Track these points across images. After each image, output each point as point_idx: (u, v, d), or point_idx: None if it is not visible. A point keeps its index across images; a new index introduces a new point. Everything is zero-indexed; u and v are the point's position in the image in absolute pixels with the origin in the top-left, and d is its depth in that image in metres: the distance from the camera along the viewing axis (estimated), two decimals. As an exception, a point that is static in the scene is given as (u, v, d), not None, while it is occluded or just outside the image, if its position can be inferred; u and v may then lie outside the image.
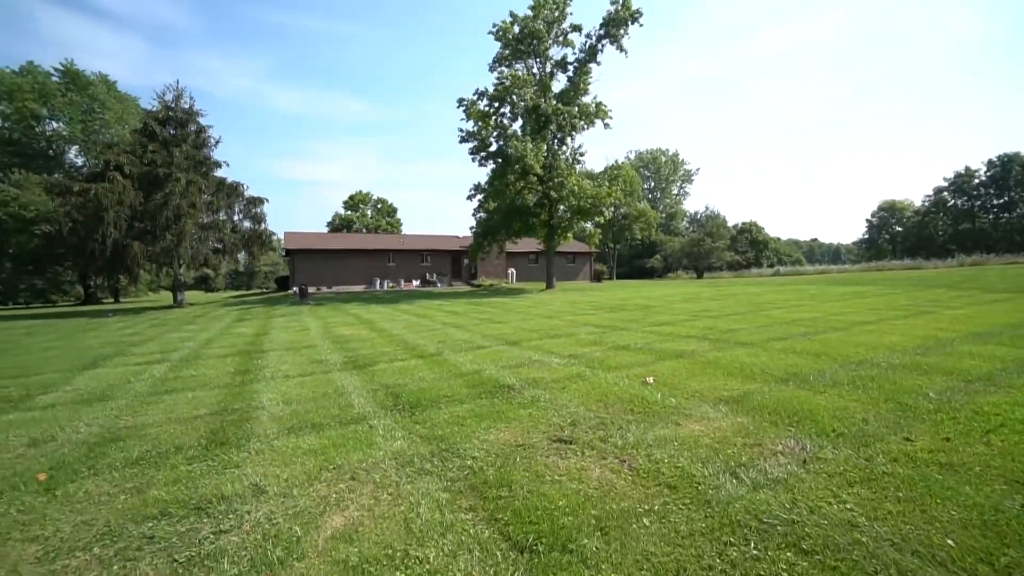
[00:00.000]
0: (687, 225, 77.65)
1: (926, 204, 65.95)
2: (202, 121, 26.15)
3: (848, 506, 2.56)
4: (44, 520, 2.74)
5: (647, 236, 62.04)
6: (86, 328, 15.19)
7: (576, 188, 26.64)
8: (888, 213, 72.60)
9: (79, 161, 39.28)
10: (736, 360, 6.34)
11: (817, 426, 3.75)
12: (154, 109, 25.52)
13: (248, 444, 3.83)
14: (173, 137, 24.95)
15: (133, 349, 9.82)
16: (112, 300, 39.68)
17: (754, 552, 2.21)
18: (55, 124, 38.36)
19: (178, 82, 28.05)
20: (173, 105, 25.37)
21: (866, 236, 75.61)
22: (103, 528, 2.61)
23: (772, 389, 4.90)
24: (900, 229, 70.15)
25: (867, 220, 75.45)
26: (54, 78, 37.95)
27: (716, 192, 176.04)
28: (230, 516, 2.69)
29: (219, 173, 26.36)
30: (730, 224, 66.22)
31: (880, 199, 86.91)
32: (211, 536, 2.49)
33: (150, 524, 2.63)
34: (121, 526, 2.63)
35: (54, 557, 2.38)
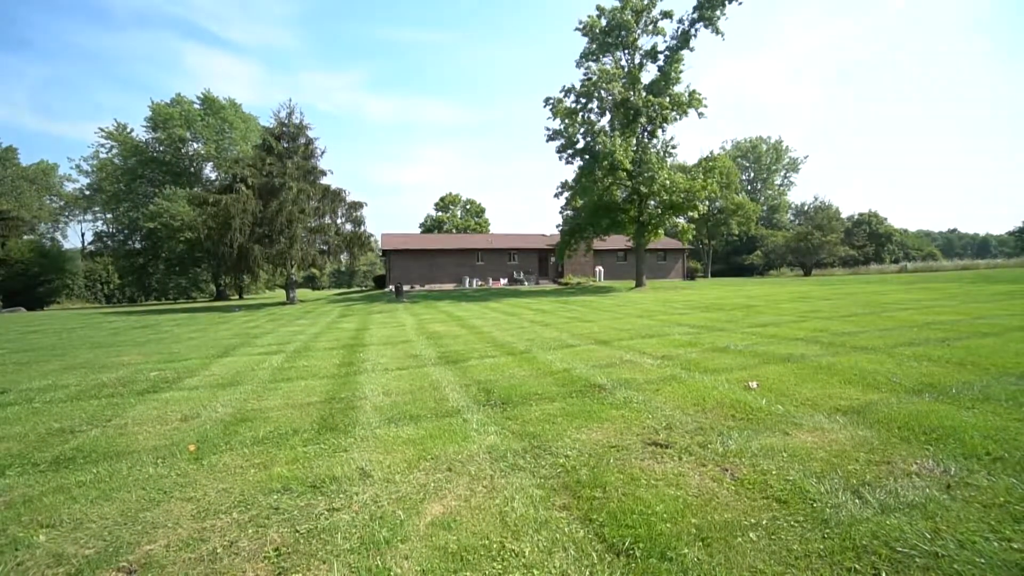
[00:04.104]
0: (792, 218, 71.00)
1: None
2: (310, 134, 28.76)
3: (1015, 546, 2.17)
4: (195, 485, 3.18)
5: (745, 231, 57.70)
6: (218, 321, 17.41)
7: (667, 182, 25.52)
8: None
9: (213, 175, 45.11)
10: (855, 366, 5.67)
11: (963, 447, 3.23)
12: (271, 126, 28.57)
13: (354, 431, 4.13)
14: (286, 150, 27.73)
15: (255, 340, 11.07)
16: (237, 297, 45.16)
17: (887, 584, 1.96)
18: (196, 145, 44.42)
19: (291, 100, 31.24)
20: (286, 120, 28.19)
21: (1029, 223, 63.48)
22: (239, 496, 2.97)
23: (901, 400, 4.31)
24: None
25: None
26: (196, 105, 43.96)
27: (829, 181, 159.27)
28: (341, 496, 2.92)
29: (324, 180, 28.82)
30: (845, 215, 59.28)
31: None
32: (326, 512, 2.73)
33: (275, 496, 2.94)
34: (252, 496, 2.96)
35: (204, 516, 2.75)
